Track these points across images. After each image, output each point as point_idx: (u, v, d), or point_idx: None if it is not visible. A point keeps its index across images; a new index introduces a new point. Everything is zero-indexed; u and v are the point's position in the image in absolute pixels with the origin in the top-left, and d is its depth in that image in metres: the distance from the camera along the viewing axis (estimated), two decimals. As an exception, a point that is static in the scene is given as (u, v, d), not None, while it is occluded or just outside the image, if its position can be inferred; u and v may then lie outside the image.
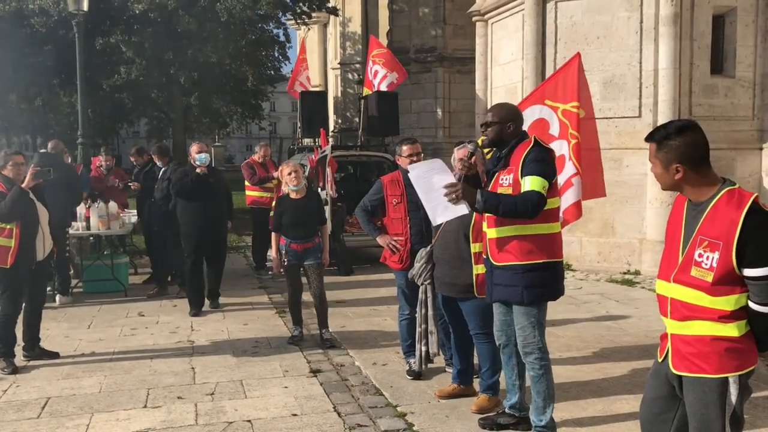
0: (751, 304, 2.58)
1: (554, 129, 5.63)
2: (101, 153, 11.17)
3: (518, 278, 3.90)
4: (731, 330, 2.60)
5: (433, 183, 4.05)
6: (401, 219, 5.22)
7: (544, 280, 3.94)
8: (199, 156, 7.65)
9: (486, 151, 4.43)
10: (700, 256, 2.61)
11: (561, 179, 5.43)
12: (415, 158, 5.26)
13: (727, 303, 2.59)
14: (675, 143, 2.69)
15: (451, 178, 3.96)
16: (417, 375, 5.28)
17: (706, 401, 2.64)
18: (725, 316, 2.60)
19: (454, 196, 3.77)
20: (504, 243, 3.94)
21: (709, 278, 2.59)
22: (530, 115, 5.63)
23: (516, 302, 3.96)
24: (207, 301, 7.96)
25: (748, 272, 2.55)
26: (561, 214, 5.32)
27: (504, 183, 3.94)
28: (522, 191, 3.82)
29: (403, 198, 5.22)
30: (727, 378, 2.61)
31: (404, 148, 5.33)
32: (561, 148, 5.49)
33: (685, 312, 2.68)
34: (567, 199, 5.55)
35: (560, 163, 5.47)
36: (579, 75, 5.74)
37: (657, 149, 2.74)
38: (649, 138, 2.79)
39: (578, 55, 5.85)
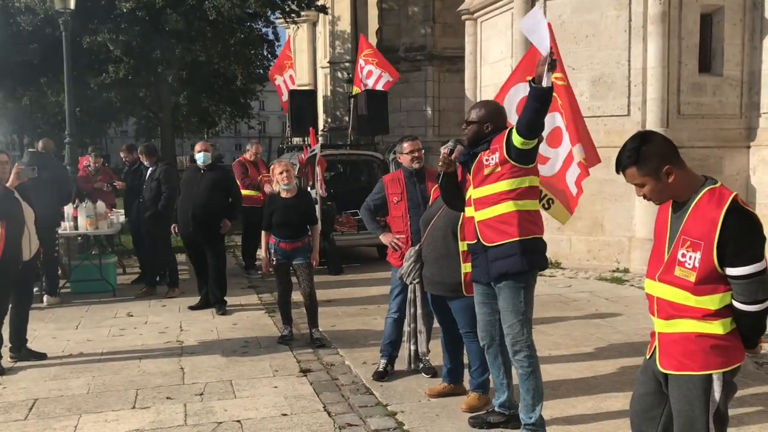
0: (735, 303, 2.59)
1: None
2: (89, 153, 11.09)
3: (514, 247, 3.94)
4: (716, 328, 2.61)
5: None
6: (402, 217, 5.24)
7: (536, 249, 4.03)
8: (197, 156, 7.74)
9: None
10: (683, 256, 2.62)
11: (561, 155, 5.42)
12: (416, 154, 5.27)
13: (711, 302, 2.61)
14: (650, 149, 2.67)
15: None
16: (381, 376, 5.27)
17: (690, 398, 2.65)
18: (709, 314, 2.61)
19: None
20: (496, 221, 3.97)
21: (692, 278, 2.60)
22: (515, 94, 5.53)
23: (516, 271, 3.95)
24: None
25: (730, 271, 2.55)
26: (577, 167, 5.32)
27: (490, 162, 3.98)
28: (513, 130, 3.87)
29: (403, 196, 5.25)
30: (711, 375, 2.62)
31: (405, 145, 5.34)
32: (554, 120, 5.40)
33: (670, 311, 2.69)
34: (573, 172, 5.43)
35: (557, 137, 5.43)
36: (555, 45, 5.69)
37: (638, 168, 2.68)
38: (622, 168, 2.72)
39: (549, 25, 5.82)
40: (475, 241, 4.10)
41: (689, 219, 2.63)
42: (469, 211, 4.15)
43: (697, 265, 2.58)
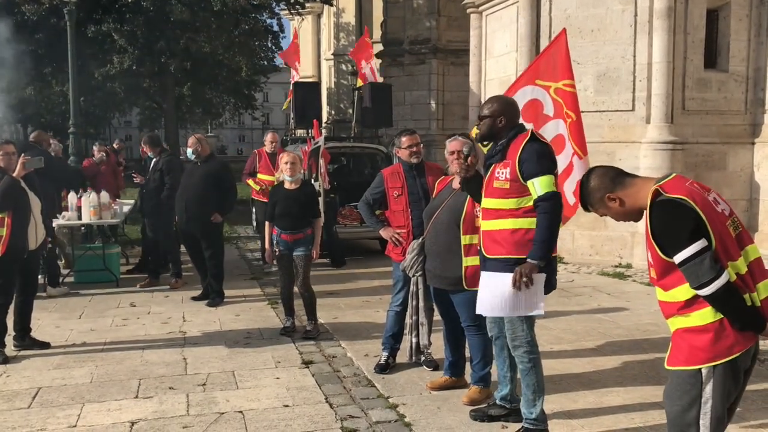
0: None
1: (548, 109, 5.51)
2: (99, 144, 11.27)
3: (510, 265, 3.87)
4: (694, 320, 2.65)
5: (504, 291, 3.88)
6: (403, 211, 5.21)
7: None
8: (188, 150, 7.88)
9: (485, 143, 4.41)
10: (649, 255, 2.75)
11: (562, 162, 5.34)
12: (414, 149, 5.25)
13: (679, 293, 2.67)
14: (591, 185, 2.89)
15: (508, 280, 3.82)
16: (382, 369, 5.28)
17: (680, 392, 2.69)
18: (681, 307, 2.67)
19: (523, 282, 3.77)
20: (498, 236, 3.95)
21: (654, 274, 2.75)
22: (522, 97, 5.49)
23: None
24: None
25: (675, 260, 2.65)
26: (572, 195, 5.30)
27: (500, 177, 3.93)
28: (535, 197, 3.83)
29: (404, 190, 5.21)
30: (700, 369, 2.64)
31: (403, 139, 5.31)
32: (558, 127, 5.37)
33: (663, 310, 2.78)
34: (573, 181, 5.40)
35: (560, 144, 5.36)
36: (567, 51, 5.65)
37: (592, 203, 2.91)
38: (585, 207, 2.98)
39: (564, 31, 5.75)
40: (479, 248, 4.11)
41: (646, 222, 2.74)
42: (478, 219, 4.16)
43: (652, 261, 2.73)
